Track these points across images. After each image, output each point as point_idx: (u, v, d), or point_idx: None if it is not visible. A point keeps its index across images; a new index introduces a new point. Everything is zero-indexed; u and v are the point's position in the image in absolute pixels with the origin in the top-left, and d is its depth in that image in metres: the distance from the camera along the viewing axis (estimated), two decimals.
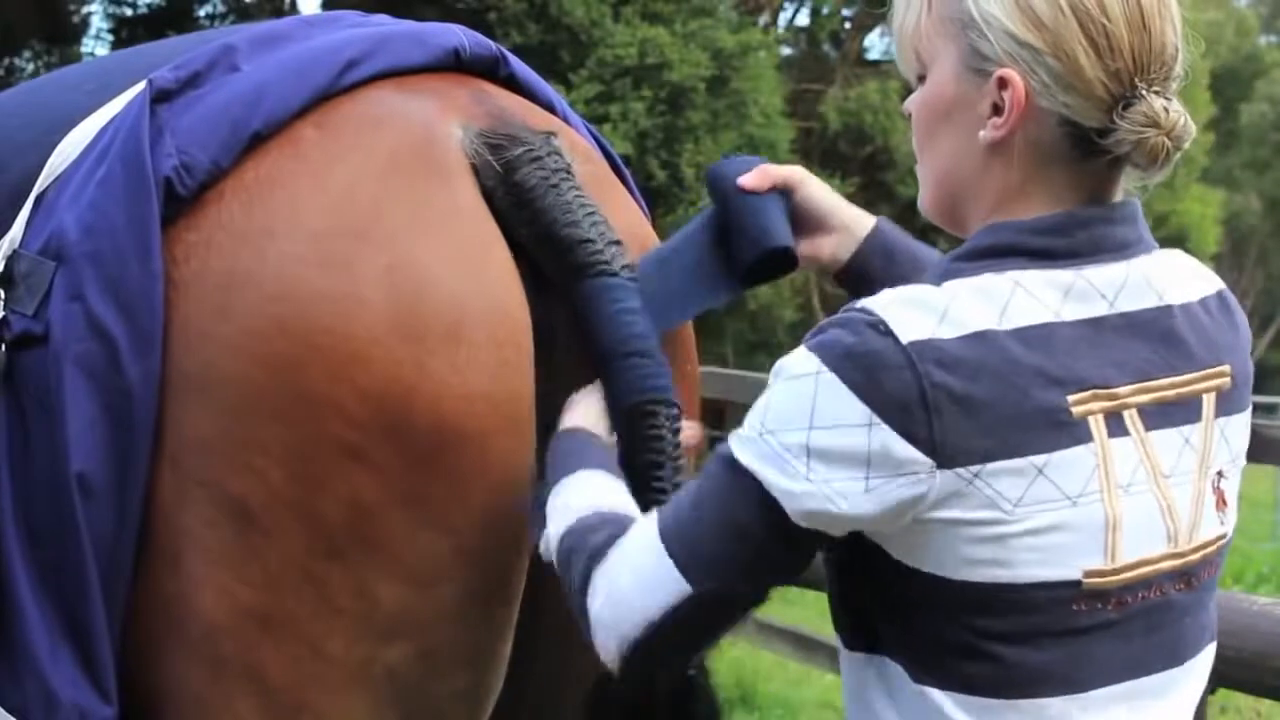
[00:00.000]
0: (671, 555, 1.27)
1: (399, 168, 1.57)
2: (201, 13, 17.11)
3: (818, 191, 1.63)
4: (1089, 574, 1.24)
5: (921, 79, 1.37)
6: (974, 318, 1.22)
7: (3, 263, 1.59)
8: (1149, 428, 1.28)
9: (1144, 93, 1.26)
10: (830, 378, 1.21)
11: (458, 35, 1.77)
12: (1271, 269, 32.79)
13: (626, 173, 1.92)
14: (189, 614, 1.51)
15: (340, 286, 1.49)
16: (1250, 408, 1.39)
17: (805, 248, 1.63)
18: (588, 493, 1.42)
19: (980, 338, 1.21)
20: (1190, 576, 1.32)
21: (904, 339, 1.20)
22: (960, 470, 1.20)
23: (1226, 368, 1.34)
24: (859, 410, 1.20)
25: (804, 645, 5.47)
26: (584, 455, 1.49)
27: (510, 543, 1.58)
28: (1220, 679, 2.64)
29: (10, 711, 1.51)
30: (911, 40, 1.36)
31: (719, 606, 1.30)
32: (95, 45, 18.28)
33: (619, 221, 1.66)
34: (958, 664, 1.25)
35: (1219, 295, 1.37)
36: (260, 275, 1.50)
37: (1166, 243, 1.40)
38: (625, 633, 1.29)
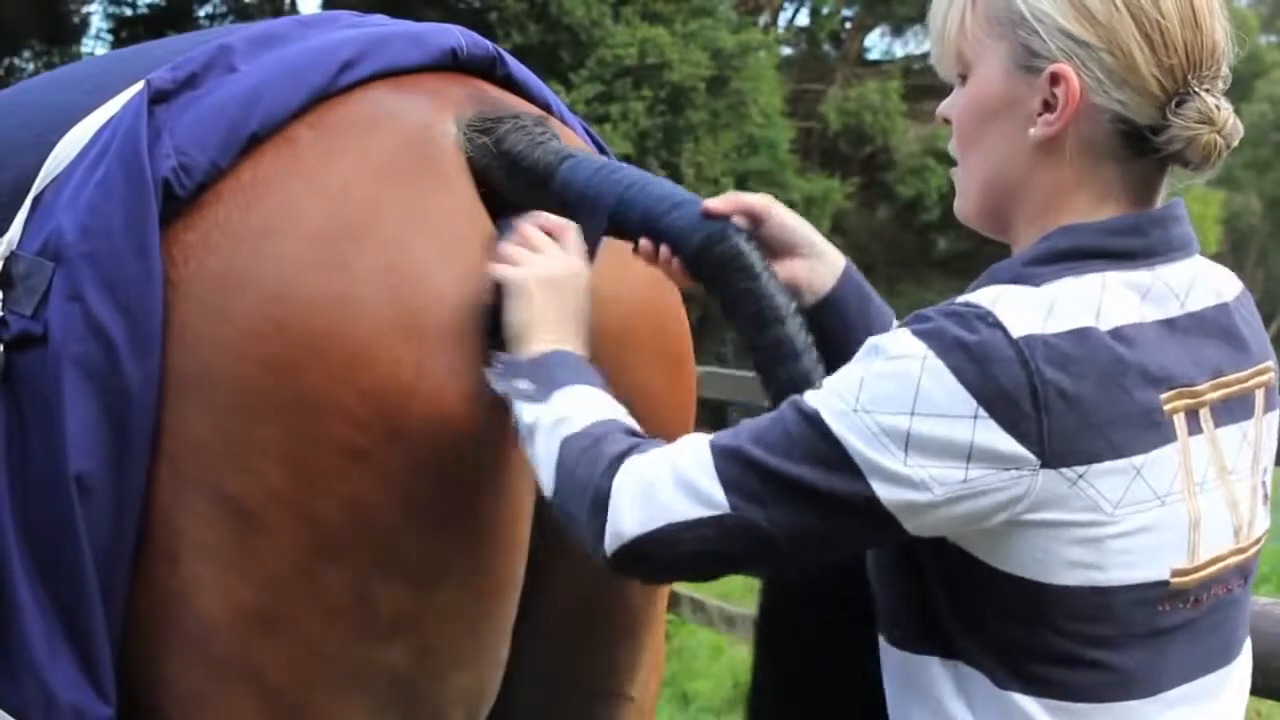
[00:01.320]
0: (720, 473, 1.23)
1: (396, 168, 1.57)
2: (201, 13, 17.09)
3: (790, 219, 1.59)
4: (1175, 573, 1.25)
5: (963, 79, 1.36)
6: (1074, 315, 1.22)
7: (1, 263, 1.58)
8: (1218, 424, 1.28)
9: (1197, 90, 1.27)
10: (937, 364, 1.19)
11: (454, 35, 1.77)
12: (1271, 269, 32.77)
13: None
14: (187, 614, 1.51)
15: (339, 287, 1.49)
16: None
17: (781, 272, 1.58)
18: (615, 409, 1.38)
19: (1084, 335, 1.21)
20: (1247, 572, 1.33)
21: (1014, 333, 1.19)
22: (1065, 470, 1.19)
23: (1271, 363, 1.36)
24: (966, 401, 1.18)
25: None
26: (591, 375, 1.44)
27: (509, 543, 1.58)
28: None
29: (9, 712, 1.51)
30: (955, 41, 1.35)
31: (741, 539, 1.23)
32: (95, 45, 18.26)
33: None
34: (1046, 669, 1.24)
35: (1246, 293, 1.38)
36: (258, 276, 1.50)
37: None
38: (639, 522, 1.25)
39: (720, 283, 1.47)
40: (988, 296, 1.23)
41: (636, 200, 1.52)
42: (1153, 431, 1.23)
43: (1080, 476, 1.19)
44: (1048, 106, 1.29)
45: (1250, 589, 1.36)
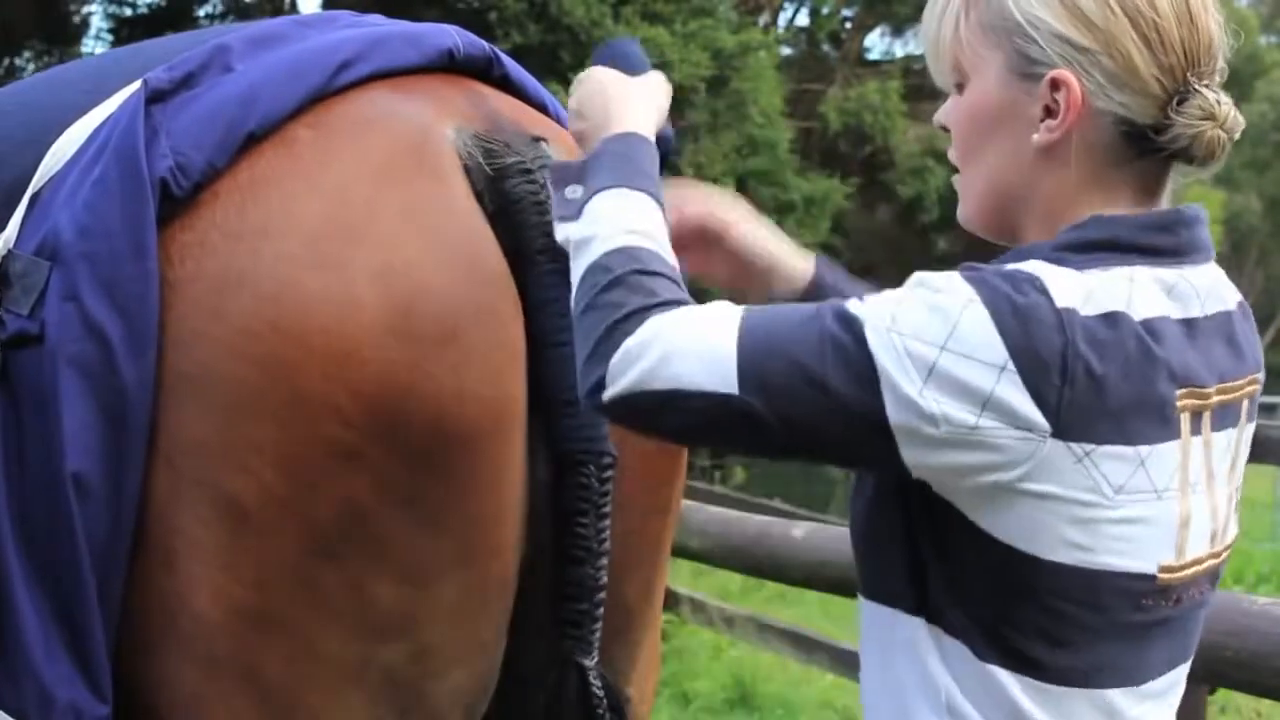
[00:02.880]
0: (740, 353, 1.22)
1: (393, 168, 1.57)
2: (201, 12, 17.10)
3: (747, 238, 1.58)
4: (1162, 569, 1.26)
5: (960, 88, 1.36)
6: (1109, 302, 1.22)
7: None
8: (1214, 428, 1.30)
9: (1197, 87, 1.27)
10: (980, 310, 1.19)
11: (451, 36, 1.77)
12: (1271, 269, 32.79)
13: None
14: (184, 613, 1.51)
15: (335, 287, 1.49)
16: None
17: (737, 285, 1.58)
18: (650, 223, 1.36)
19: (1115, 320, 1.22)
20: (1216, 577, 1.35)
21: (1058, 303, 1.20)
22: (1073, 445, 1.19)
23: (1260, 375, 1.37)
24: (998, 351, 1.18)
25: (804, 645, 5.47)
26: (642, 174, 1.41)
27: (505, 542, 1.58)
28: (1220, 679, 2.65)
29: (7, 712, 1.51)
30: (950, 50, 1.35)
31: (738, 423, 1.23)
32: (95, 45, 18.27)
33: None
34: (1026, 645, 1.25)
35: (1245, 303, 1.39)
36: (255, 275, 1.50)
37: None
38: (644, 380, 1.24)
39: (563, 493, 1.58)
40: (1034, 266, 1.23)
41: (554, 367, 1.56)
42: (1162, 426, 1.24)
43: (1087, 455, 1.20)
44: (1049, 112, 1.29)
45: (1213, 593, 1.37)
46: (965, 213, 1.40)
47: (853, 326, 1.22)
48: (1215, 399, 1.28)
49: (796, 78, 18.64)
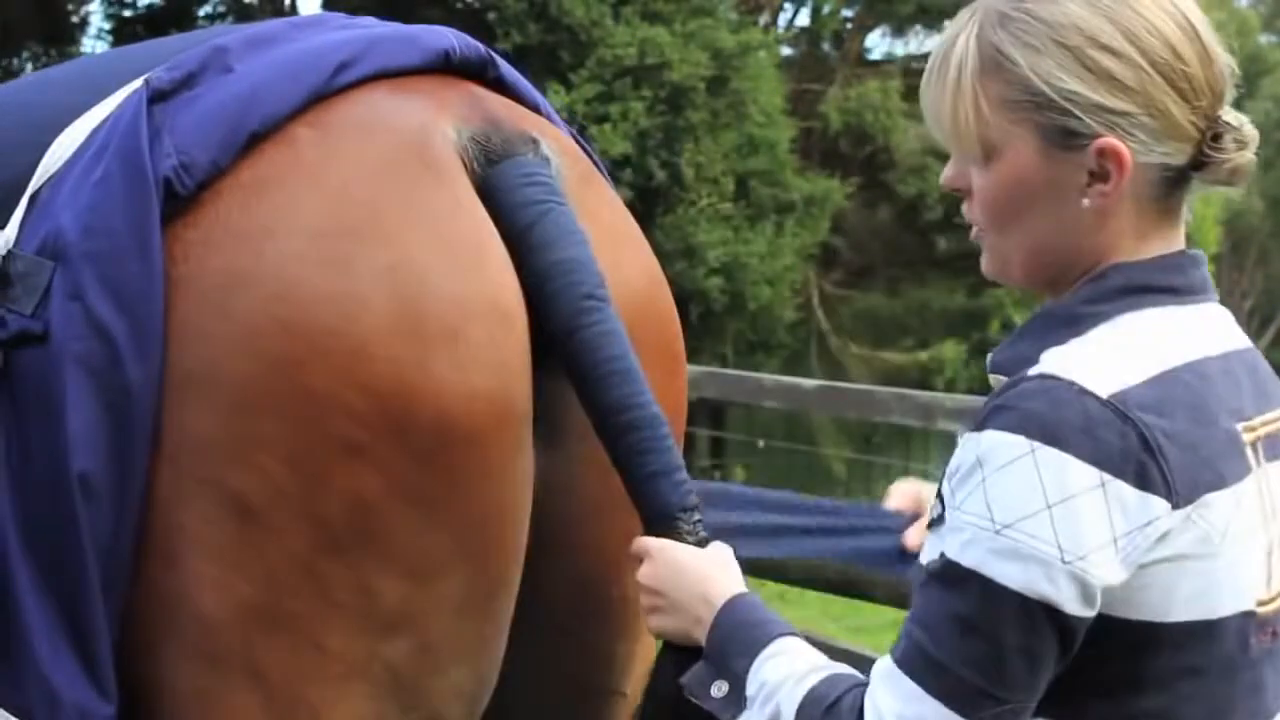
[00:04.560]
0: (929, 692, 1.19)
1: (395, 166, 1.58)
2: (201, 12, 17.10)
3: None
4: (1260, 602, 1.25)
5: (986, 159, 1.31)
6: (1147, 359, 1.22)
7: None
8: (1266, 459, 1.29)
9: (1224, 119, 1.27)
10: (1049, 451, 1.18)
11: (448, 37, 1.78)
12: (1271, 269, 32.75)
13: (607, 176, 1.93)
14: (189, 611, 1.51)
15: (341, 285, 1.50)
16: None
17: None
18: (801, 660, 1.34)
19: (1162, 378, 1.22)
20: None
21: (1103, 394, 1.19)
22: (1188, 507, 1.19)
23: None
24: (1089, 473, 1.17)
25: None
26: (765, 626, 1.40)
27: (509, 538, 1.59)
28: None
29: (13, 712, 1.51)
30: (975, 131, 1.30)
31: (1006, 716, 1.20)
32: (95, 45, 18.26)
33: (604, 218, 1.70)
34: (1135, 702, 1.23)
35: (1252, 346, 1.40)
36: (260, 274, 1.50)
37: None
38: None
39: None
40: (1059, 366, 1.22)
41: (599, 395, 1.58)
42: (1240, 460, 1.24)
43: (1196, 509, 1.19)
44: (1094, 176, 1.27)
45: None
46: (1001, 271, 1.36)
47: (960, 578, 1.20)
48: (1262, 430, 1.28)
49: (796, 78, 18.64)
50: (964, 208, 1.37)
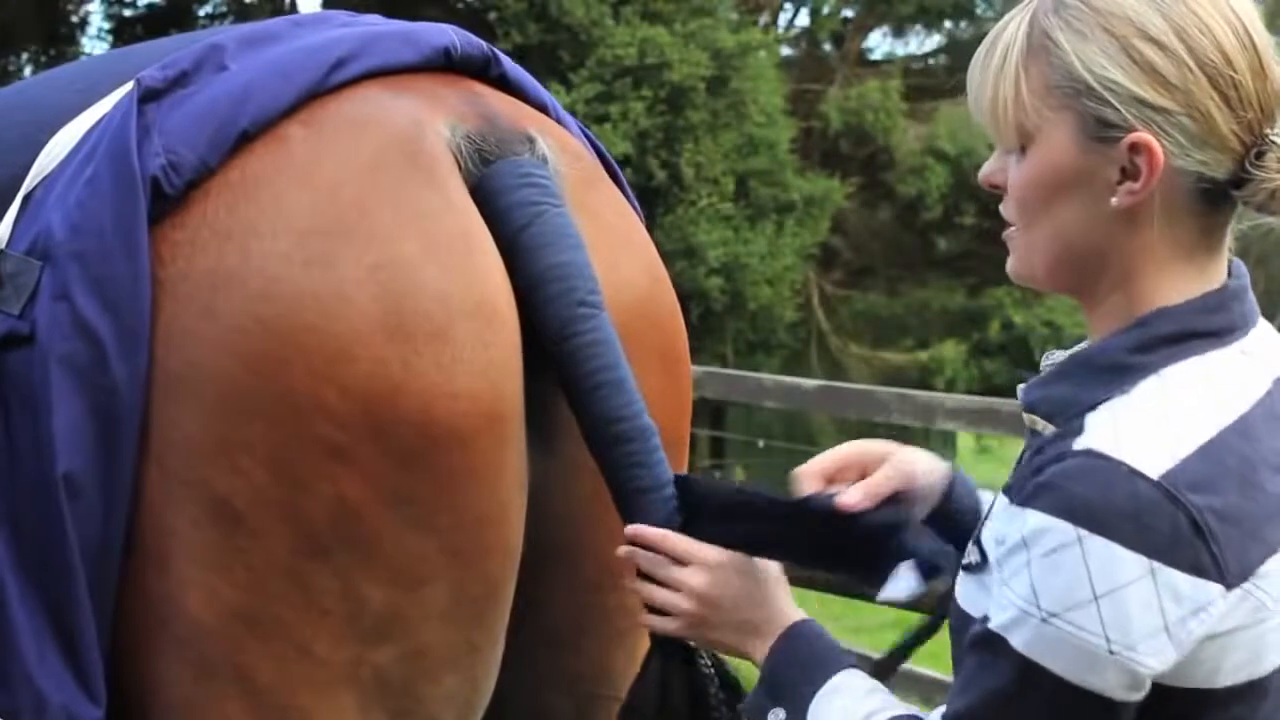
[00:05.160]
0: None
1: (386, 166, 1.57)
2: (201, 12, 17.09)
3: (923, 477, 1.55)
4: None
5: (1022, 149, 1.29)
6: (1195, 425, 1.19)
7: None
8: None
9: (1272, 138, 1.23)
10: (1096, 540, 1.15)
11: (448, 35, 1.76)
12: (1271, 269, 32.79)
13: (621, 175, 1.91)
14: (176, 615, 1.50)
15: (325, 285, 1.48)
16: None
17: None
18: (860, 702, 1.35)
19: (1210, 446, 1.18)
20: None
21: (1153, 474, 1.16)
22: (1242, 585, 1.17)
23: None
24: (1137, 563, 1.14)
25: None
26: (828, 659, 1.40)
27: (499, 543, 1.57)
28: None
29: (0, 715, 1.50)
30: (1013, 114, 1.27)
31: None
32: (95, 45, 18.26)
33: (605, 218, 1.68)
34: None
35: None
36: (245, 274, 1.49)
37: None
38: None
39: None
40: (1107, 442, 1.19)
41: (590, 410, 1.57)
42: None
43: (1252, 582, 1.17)
44: (1126, 174, 1.23)
45: None
46: (1024, 271, 1.33)
47: (1014, 665, 1.18)
48: None
49: (796, 78, 18.63)
50: (1001, 206, 1.34)
